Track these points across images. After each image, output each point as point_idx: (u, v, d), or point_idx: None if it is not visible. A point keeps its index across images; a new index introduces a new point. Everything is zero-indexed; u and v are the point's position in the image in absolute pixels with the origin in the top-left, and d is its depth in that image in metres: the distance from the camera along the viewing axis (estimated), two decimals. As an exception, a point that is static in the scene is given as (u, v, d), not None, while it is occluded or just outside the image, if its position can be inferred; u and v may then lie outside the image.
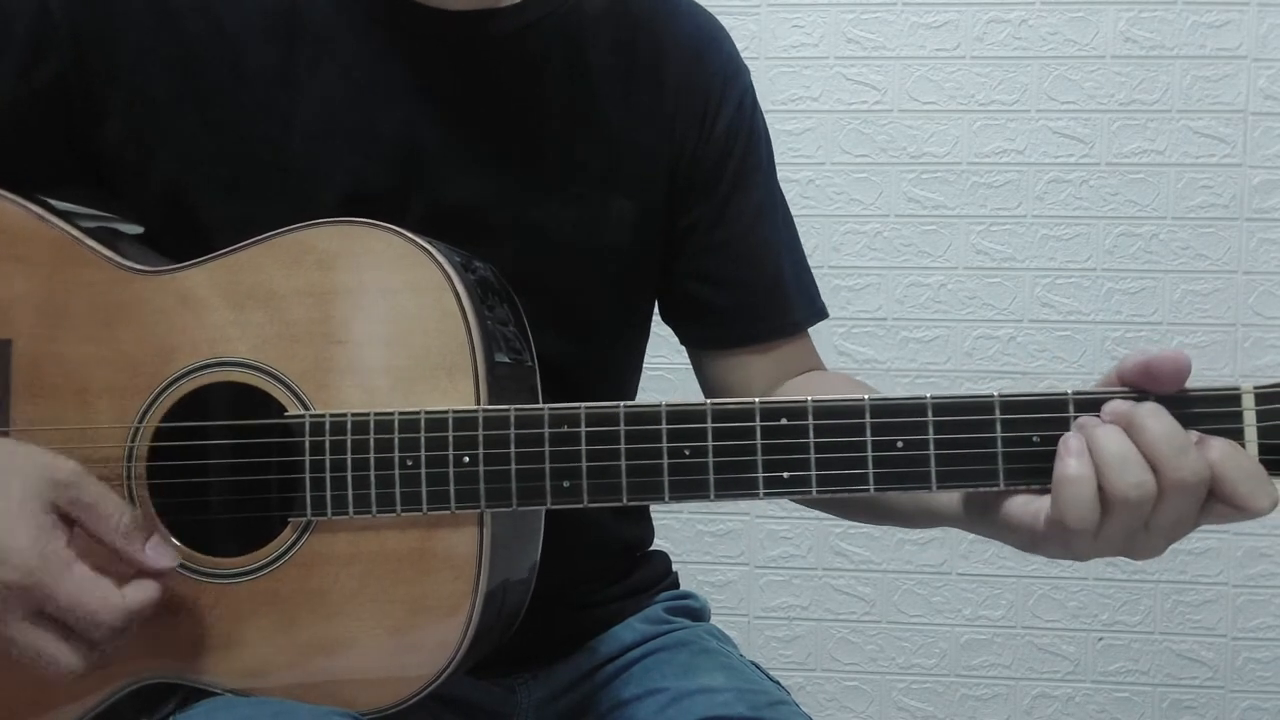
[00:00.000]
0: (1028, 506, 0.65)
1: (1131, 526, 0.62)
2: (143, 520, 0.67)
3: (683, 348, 0.96)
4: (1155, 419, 0.61)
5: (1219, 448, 0.61)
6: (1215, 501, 0.61)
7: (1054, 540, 0.64)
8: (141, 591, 0.65)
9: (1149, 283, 1.93)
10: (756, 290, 0.91)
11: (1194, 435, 0.62)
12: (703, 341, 0.94)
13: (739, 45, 0.92)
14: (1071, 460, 0.62)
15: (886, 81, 1.95)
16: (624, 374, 0.95)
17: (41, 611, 0.63)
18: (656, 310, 0.95)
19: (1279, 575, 1.93)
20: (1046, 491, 0.64)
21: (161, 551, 0.66)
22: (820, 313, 0.94)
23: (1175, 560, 1.94)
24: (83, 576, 0.63)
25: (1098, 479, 0.61)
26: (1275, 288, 1.91)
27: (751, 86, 0.91)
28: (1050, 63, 1.92)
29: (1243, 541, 1.93)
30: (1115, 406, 0.63)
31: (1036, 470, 0.64)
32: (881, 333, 1.97)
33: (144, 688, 0.72)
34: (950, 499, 0.73)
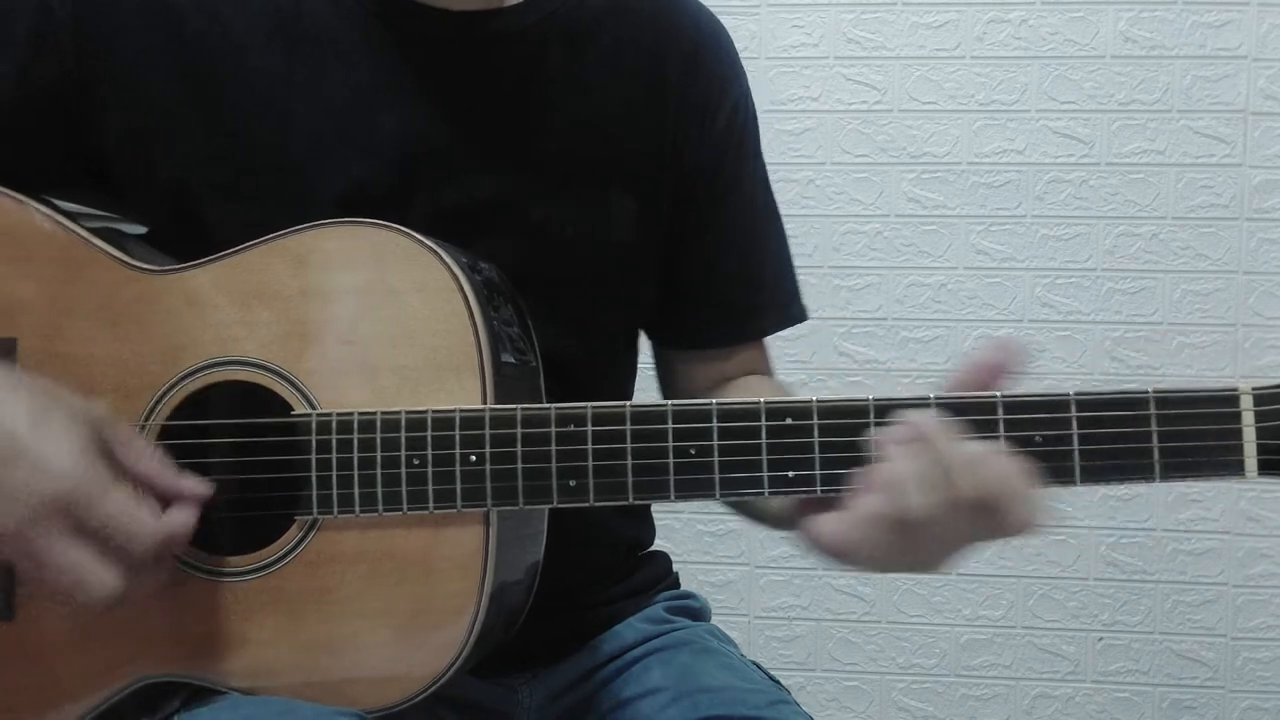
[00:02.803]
0: (816, 523, 0.67)
1: (904, 542, 0.64)
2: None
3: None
4: (935, 440, 0.63)
5: (991, 465, 0.62)
6: (980, 515, 0.63)
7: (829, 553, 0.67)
8: (179, 514, 0.66)
9: (1149, 283, 1.93)
10: (747, 292, 0.92)
11: (976, 448, 0.63)
12: (677, 342, 0.94)
13: (739, 45, 0.92)
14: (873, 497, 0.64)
15: (886, 81, 1.95)
16: (623, 372, 0.95)
17: (80, 529, 0.62)
18: None
19: (1279, 575, 1.93)
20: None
21: (194, 479, 0.68)
22: (798, 315, 0.95)
23: (1175, 560, 1.94)
24: (124, 495, 0.64)
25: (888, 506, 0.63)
26: (1275, 288, 1.91)
27: (748, 90, 0.92)
28: (1050, 63, 1.92)
29: (1243, 542, 1.93)
30: (900, 432, 0.64)
31: (1038, 470, 0.64)
32: (881, 333, 1.97)
33: (147, 686, 0.72)
34: (783, 504, 0.74)
